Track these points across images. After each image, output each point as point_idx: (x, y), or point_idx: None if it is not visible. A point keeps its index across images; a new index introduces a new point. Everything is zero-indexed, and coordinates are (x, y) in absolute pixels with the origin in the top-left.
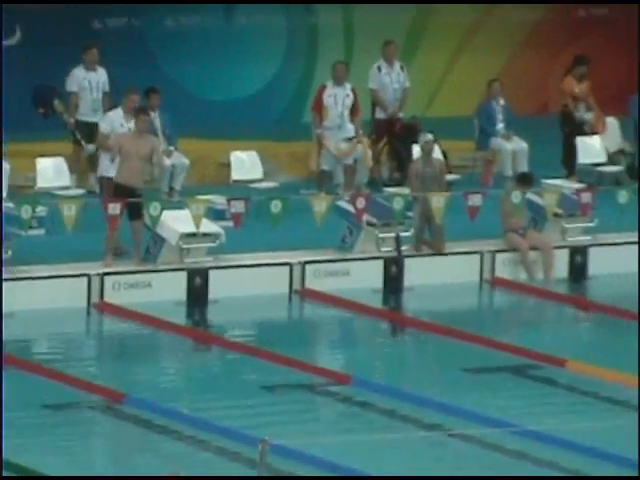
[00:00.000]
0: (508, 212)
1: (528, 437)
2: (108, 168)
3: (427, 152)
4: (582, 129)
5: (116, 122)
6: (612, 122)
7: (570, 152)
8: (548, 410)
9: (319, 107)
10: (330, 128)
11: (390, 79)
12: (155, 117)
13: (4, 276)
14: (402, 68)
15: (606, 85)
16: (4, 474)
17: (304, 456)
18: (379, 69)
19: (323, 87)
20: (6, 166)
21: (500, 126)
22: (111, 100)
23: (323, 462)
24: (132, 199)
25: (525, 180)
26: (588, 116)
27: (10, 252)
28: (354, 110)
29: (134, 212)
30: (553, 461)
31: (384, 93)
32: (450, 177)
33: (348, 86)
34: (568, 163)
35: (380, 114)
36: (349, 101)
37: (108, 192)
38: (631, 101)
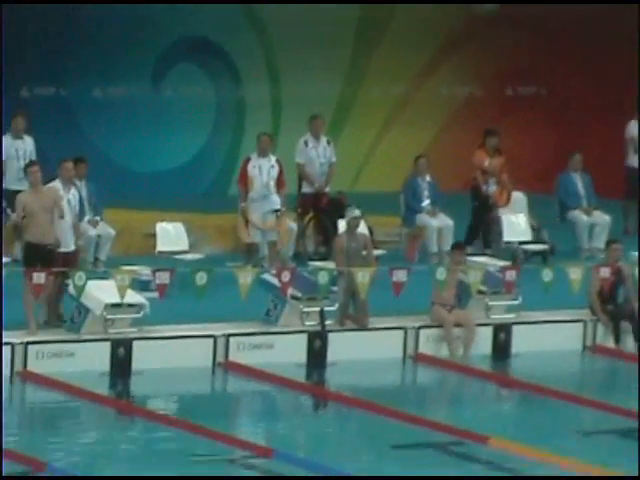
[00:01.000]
0: (438, 286)
1: None
2: None
3: (353, 227)
4: (487, 203)
5: None
6: (520, 197)
7: (478, 226)
8: None
9: (244, 179)
10: (255, 200)
11: (317, 153)
12: (82, 187)
13: None
14: (329, 142)
15: (532, 163)
16: None
17: None
18: (306, 143)
19: (247, 159)
20: None
21: (426, 202)
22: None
23: None
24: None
25: (460, 246)
26: (492, 189)
27: None
28: (279, 182)
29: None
30: None
31: (311, 167)
32: (375, 252)
33: (273, 157)
34: (475, 237)
35: (306, 188)
36: (274, 172)
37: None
38: (557, 179)
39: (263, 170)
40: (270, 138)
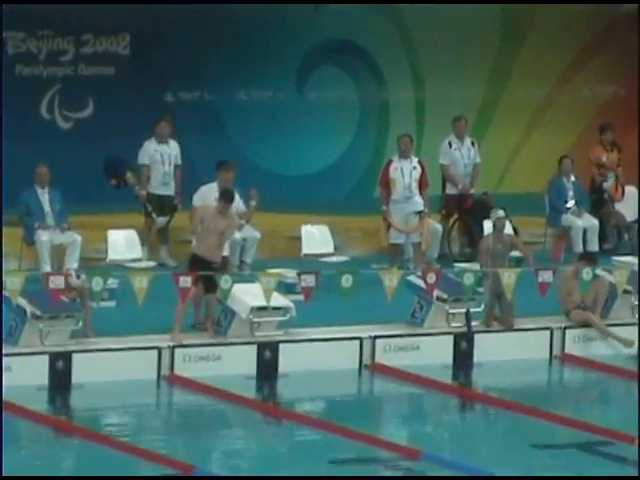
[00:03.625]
0: (568, 291)
1: None
2: None
3: (499, 229)
4: (603, 197)
5: (209, 197)
6: (632, 192)
7: (600, 219)
8: None
9: (386, 182)
10: (398, 201)
11: (461, 155)
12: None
13: (75, 348)
14: (473, 144)
15: None
16: None
17: None
18: (450, 144)
19: (389, 161)
20: (77, 237)
21: (571, 203)
22: (183, 173)
23: None
24: (203, 272)
25: (591, 258)
26: (608, 184)
27: (81, 323)
28: (422, 183)
29: (209, 286)
30: None
31: (455, 168)
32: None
33: (414, 159)
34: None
35: (451, 190)
36: (416, 173)
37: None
38: None
39: (405, 172)
40: (410, 140)
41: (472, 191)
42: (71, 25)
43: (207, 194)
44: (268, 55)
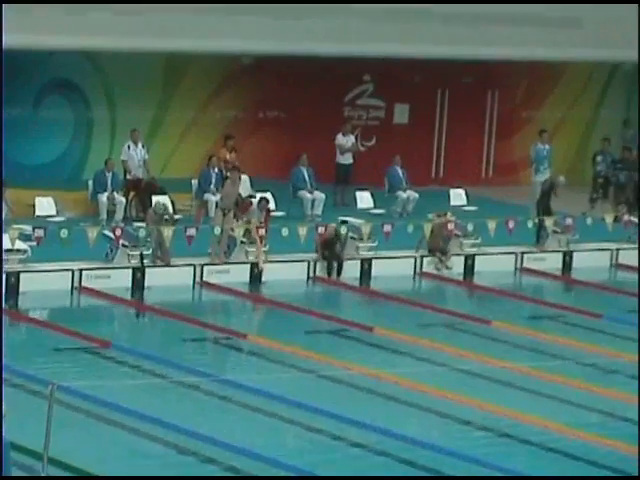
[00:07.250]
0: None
1: (226, 385)
2: None
3: (159, 207)
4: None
5: None
6: (245, 178)
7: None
8: (238, 367)
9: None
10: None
11: (135, 154)
12: None
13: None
14: (143, 146)
15: (274, 160)
16: None
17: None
18: (128, 147)
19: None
20: None
21: (212, 185)
22: None
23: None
24: None
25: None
26: (230, 174)
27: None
28: None
29: None
30: (248, 403)
31: (131, 163)
32: (175, 216)
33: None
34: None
35: (129, 176)
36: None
37: None
38: (291, 171)
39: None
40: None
41: (143, 177)
42: None
43: None
44: (16, 86)
